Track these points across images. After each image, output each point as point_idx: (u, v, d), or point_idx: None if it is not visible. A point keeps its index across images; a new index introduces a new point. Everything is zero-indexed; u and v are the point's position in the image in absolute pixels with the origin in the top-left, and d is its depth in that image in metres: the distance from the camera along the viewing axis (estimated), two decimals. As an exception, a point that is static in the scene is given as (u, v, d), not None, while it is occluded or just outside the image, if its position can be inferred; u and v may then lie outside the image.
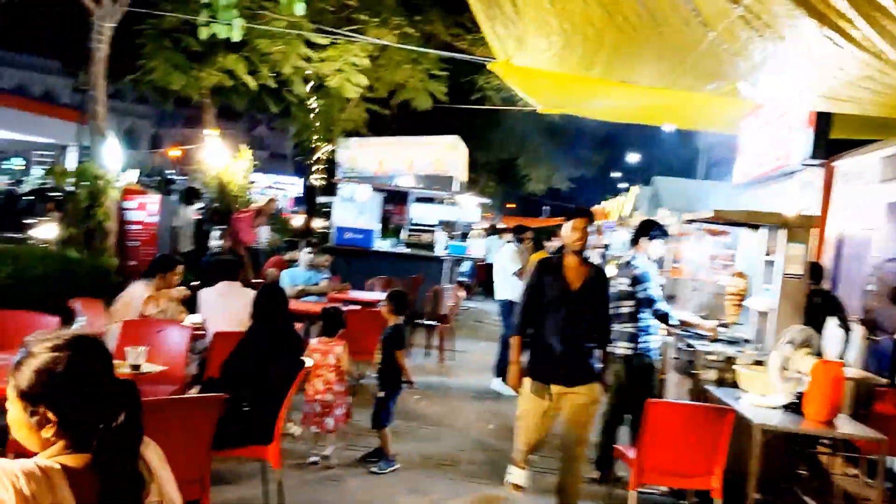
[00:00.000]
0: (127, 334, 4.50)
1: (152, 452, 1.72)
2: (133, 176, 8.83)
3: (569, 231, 4.28)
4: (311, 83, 13.50)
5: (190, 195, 10.76)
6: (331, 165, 13.71)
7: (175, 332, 4.68)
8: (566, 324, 4.12)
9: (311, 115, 13.64)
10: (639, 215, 18.88)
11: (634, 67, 6.56)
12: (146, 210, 7.70)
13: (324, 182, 13.92)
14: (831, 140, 7.17)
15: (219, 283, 5.32)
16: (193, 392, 4.30)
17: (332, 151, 13.44)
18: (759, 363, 4.79)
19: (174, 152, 24.40)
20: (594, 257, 8.82)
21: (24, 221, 11.88)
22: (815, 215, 5.93)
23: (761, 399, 4.28)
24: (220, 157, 10.75)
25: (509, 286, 7.99)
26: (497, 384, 7.96)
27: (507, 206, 42.29)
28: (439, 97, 12.56)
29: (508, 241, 8.70)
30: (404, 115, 17.90)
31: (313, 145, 14.47)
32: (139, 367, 3.85)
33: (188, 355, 4.73)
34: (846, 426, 4.09)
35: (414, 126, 17.46)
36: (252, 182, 11.20)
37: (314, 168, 14.56)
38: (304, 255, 8.14)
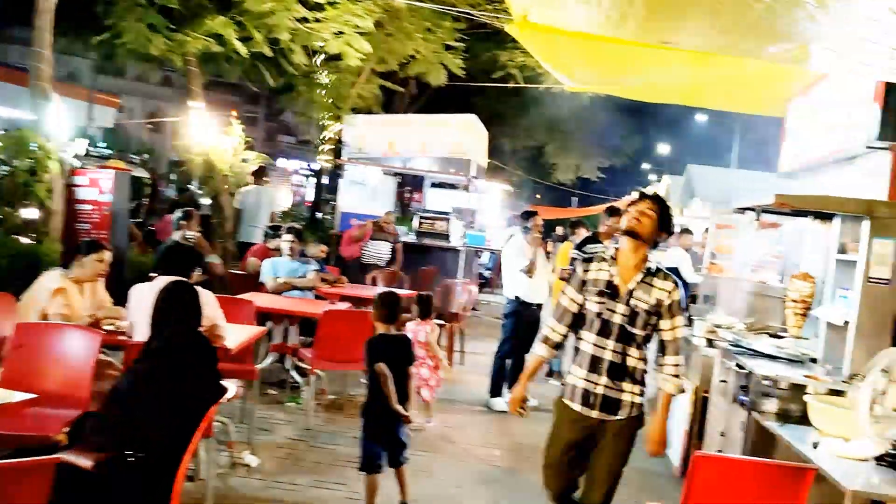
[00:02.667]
0: (19, 340, 3.53)
1: None
2: (80, 147, 7.80)
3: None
4: (319, 56, 12.53)
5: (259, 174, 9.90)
6: (339, 146, 12.69)
7: (78, 339, 3.68)
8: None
9: (320, 92, 12.64)
10: (672, 207, 17.65)
11: (679, 22, 5.42)
12: (98, 187, 6.73)
13: (331, 165, 12.92)
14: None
15: (160, 277, 4.33)
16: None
17: (341, 131, 12.41)
18: (835, 392, 3.69)
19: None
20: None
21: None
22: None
23: (846, 447, 3.17)
24: (206, 133, 9.76)
25: (516, 283, 6.90)
26: (493, 402, 6.93)
27: (535, 195, 41.09)
28: (455, 71, 11.44)
29: (515, 230, 7.63)
30: (421, 94, 16.86)
31: (322, 123, 13.47)
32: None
33: (102, 369, 3.74)
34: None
35: (431, 108, 16.40)
36: (245, 160, 10.18)
37: (323, 149, 13.55)
38: (284, 242, 7.12)
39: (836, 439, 3.25)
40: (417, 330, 6.14)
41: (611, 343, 3.29)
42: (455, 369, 8.10)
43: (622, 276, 3.32)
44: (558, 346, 3.52)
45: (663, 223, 3.35)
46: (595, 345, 3.32)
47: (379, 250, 9.99)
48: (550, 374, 8.09)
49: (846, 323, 3.88)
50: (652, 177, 39.07)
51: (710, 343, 5.38)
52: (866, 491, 2.78)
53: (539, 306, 6.94)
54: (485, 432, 6.19)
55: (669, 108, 23.51)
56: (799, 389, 3.72)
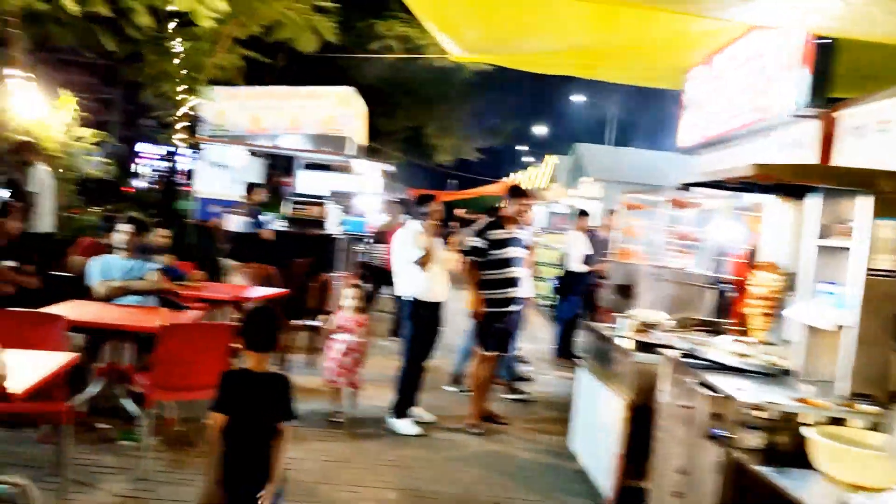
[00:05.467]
0: None
1: None
2: None
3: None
4: (171, 21, 10.89)
5: (31, 150, 7.97)
6: (195, 124, 11.12)
7: None
8: None
9: (174, 62, 11.00)
10: (557, 187, 17.09)
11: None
12: None
13: (187, 144, 11.33)
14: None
15: None
16: None
17: (196, 106, 10.85)
18: (836, 421, 2.85)
19: None
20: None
21: None
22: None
23: (885, 508, 2.30)
24: (30, 107, 8.04)
25: (410, 278, 5.79)
26: (399, 424, 5.80)
27: (413, 178, 40.18)
28: (327, 37, 10.14)
29: (405, 217, 6.53)
30: (290, 67, 15.35)
31: (177, 98, 11.81)
32: None
33: None
34: None
35: (302, 83, 14.95)
36: (79, 138, 8.52)
37: (176, 127, 11.89)
38: (118, 234, 5.67)
39: (867, 495, 2.37)
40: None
41: None
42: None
43: None
44: None
45: None
46: None
47: None
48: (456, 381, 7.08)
49: (839, 327, 3.05)
50: (529, 158, 39.08)
51: (644, 346, 4.51)
52: None
53: (439, 305, 5.87)
54: (375, 464, 5.07)
55: (549, 88, 23.15)
56: (793, 421, 2.85)
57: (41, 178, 7.83)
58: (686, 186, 4.44)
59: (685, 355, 3.79)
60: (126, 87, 37.34)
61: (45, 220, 7.83)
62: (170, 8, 9.50)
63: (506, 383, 6.97)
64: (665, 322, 4.97)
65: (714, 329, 4.73)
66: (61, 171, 8.48)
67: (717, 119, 7.32)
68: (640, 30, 7.31)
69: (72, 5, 7.59)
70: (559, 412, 6.62)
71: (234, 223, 8.86)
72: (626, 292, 6.63)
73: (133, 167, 46.27)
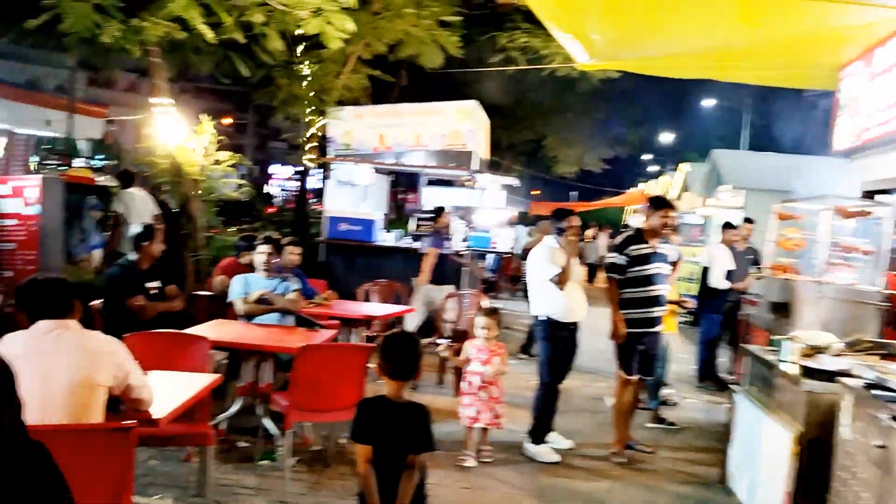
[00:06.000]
0: None
1: None
2: None
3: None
4: (300, 45, 11.20)
5: (125, 178, 8.43)
6: (324, 144, 11.35)
7: None
8: None
9: (303, 85, 11.30)
10: (690, 196, 16.30)
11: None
12: (23, 198, 5.37)
13: (315, 164, 11.57)
14: None
15: (37, 321, 2.99)
16: None
17: (325, 126, 11.07)
18: None
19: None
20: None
21: None
22: None
23: None
24: (173, 133, 8.42)
25: (545, 297, 5.54)
26: (537, 450, 5.52)
27: (532, 192, 39.88)
28: (451, 51, 10.08)
29: (537, 233, 6.26)
30: (413, 84, 15.48)
31: (306, 119, 12.13)
32: None
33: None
34: None
35: (423, 100, 15.05)
36: (218, 162, 8.84)
37: (305, 148, 12.21)
38: (259, 255, 5.76)
39: None
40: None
41: None
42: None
43: None
44: None
45: None
46: None
47: None
48: None
49: None
50: (654, 167, 37.82)
51: (813, 372, 4.05)
52: None
53: (575, 325, 5.58)
54: (517, 495, 4.84)
55: (677, 93, 22.24)
56: None
57: (126, 202, 8.22)
58: (870, 195, 3.95)
59: (870, 385, 3.34)
60: (258, 111, 39.31)
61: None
62: (299, 32, 9.78)
63: (651, 410, 6.54)
64: (835, 345, 4.47)
65: (892, 353, 4.21)
66: (200, 192, 8.83)
67: (879, 119, 6.65)
68: (787, 25, 6.77)
69: (209, 33, 7.90)
70: (709, 441, 6.15)
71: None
72: (782, 311, 6.07)
73: (266, 188, 48.55)
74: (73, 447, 2.80)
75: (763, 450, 4.44)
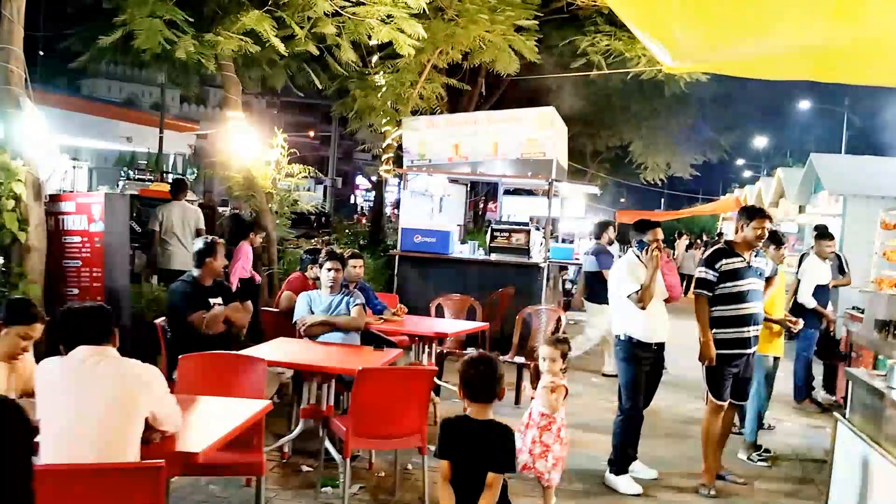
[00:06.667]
0: None
1: None
2: (62, 163, 6.32)
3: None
4: (374, 55, 11.13)
5: (175, 188, 8.41)
6: (399, 154, 11.22)
7: None
8: None
9: (378, 95, 11.21)
10: (786, 203, 15.34)
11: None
12: (88, 214, 5.36)
13: (390, 175, 11.46)
14: None
15: (77, 346, 2.84)
16: None
17: (401, 136, 10.93)
18: None
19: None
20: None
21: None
22: None
23: None
24: (247, 146, 8.41)
25: (626, 315, 5.10)
26: (617, 481, 5.09)
27: (619, 199, 38.98)
28: (528, 56, 9.73)
29: (617, 246, 5.82)
30: (489, 94, 15.20)
31: (382, 130, 12.05)
32: None
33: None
34: None
35: (504, 107, 14.74)
36: (290, 175, 8.79)
37: (383, 158, 12.13)
38: (325, 271, 5.56)
39: None
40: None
41: None
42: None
43: None
44: None
45: None
46: None
47: None
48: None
49: None
50: (747, 173, 36.26)
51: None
52: None
53: (661, 346, 5.13)
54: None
55: (770, 96, 21.18)
56: None
57: (161, 217, 8.09)
58: None
59: None
60: (343, 123, 40.02)
61: (176, 258, 8.09)
62: (372, 42, 9.68)
63: (746, 441, 5.96)
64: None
65: None
66: (271, 206, 8.82)
67: None
68: (889, 20, 6.13)
69: (280, 45, 7.86)
70: (808, 472, 5.58)
71: (587, 263, 8.76)
72: (890, 329, 5.45)
73: (352, 199, 49.29)
74: (104, 486, 2.64)
75: (870, 491, 3.90)
